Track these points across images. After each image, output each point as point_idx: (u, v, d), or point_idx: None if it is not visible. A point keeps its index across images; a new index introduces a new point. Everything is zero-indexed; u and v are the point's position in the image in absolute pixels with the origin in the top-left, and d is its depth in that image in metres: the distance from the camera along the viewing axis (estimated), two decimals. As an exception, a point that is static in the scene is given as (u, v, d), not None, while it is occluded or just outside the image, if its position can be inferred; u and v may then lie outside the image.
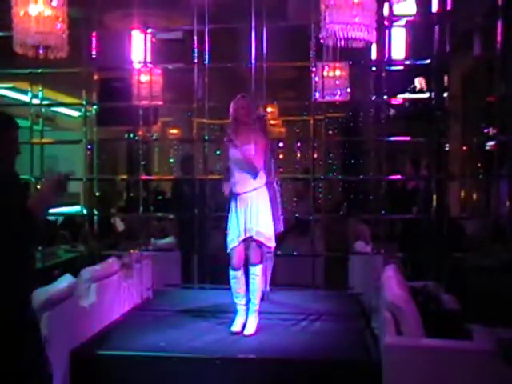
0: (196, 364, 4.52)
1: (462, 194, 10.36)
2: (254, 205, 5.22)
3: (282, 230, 5.91)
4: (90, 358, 4.54)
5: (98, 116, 6.85)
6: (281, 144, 13.89)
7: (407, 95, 8.96)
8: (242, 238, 5.21)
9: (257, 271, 5.25)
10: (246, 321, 5.24)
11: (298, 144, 14.25)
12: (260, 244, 5.25)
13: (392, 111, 8.97)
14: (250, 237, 5.20)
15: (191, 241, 6.53)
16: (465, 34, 8.91)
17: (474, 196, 10.23)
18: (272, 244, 5.35)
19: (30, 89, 6.49)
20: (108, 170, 10.90)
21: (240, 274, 5.29)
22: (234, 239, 5.23)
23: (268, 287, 6.36)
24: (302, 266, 6.73)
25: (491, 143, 8.23)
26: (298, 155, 14.34)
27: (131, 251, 6.41)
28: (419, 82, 9.23)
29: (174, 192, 8.59)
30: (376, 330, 4.99)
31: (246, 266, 5.38)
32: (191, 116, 6.96)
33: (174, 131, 13.99)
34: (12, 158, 3.26)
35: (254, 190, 5.24)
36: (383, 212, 6.20)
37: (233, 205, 5.31)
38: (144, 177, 6.82)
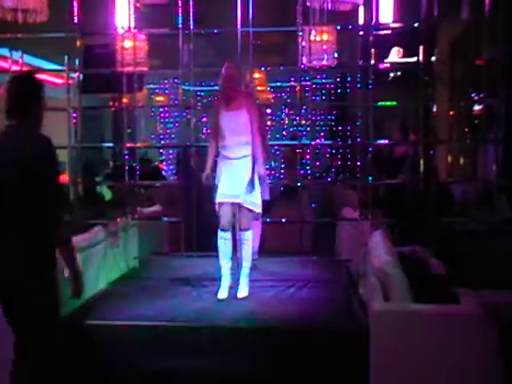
0: (183, 333, 4.50)
1: (450, 158, 10.34)
2: (245, 172, 5.20)
3: (268, 198, 5.91)
4: (76, 328, 4.50)
5: (82, 83, 6.72)
6: (268, 110, 13.86)
7: (395, 59, 8.89)
8: (234, 200, 5.19)
9: (248, 236, 5.30)
10: (238, 285, 5.27)
11: (286, 110, 14.21)
12: (250, 210, 5.26)
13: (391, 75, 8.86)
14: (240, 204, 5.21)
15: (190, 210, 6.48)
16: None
17: (461, 160, 10.22)
18: (259, 210, 5.35)
19: (9, 55, 6.33)
20: (94, 138, 10.78)
21: (229, 235, 5.28)
22: (224, 194, 5.19)
23: (256, 255, 6.35)
24: (290, 233, 6.71)
25: (478, 107, 8.20)
26: (286, 121, 14.29)
27: (117, 219, 6.34)
28: (396, 53, 9.08)
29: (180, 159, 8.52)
30: (364, 296, 4.99)
31: (233, 232, 5.40)
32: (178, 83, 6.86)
33: (161, 98, 13.86)
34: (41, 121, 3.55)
35: (246, 156, 5.21)
36: (370, 178, 6.17)
37: (222, 166, 5.28)
38: (129, 144, 6.73)
